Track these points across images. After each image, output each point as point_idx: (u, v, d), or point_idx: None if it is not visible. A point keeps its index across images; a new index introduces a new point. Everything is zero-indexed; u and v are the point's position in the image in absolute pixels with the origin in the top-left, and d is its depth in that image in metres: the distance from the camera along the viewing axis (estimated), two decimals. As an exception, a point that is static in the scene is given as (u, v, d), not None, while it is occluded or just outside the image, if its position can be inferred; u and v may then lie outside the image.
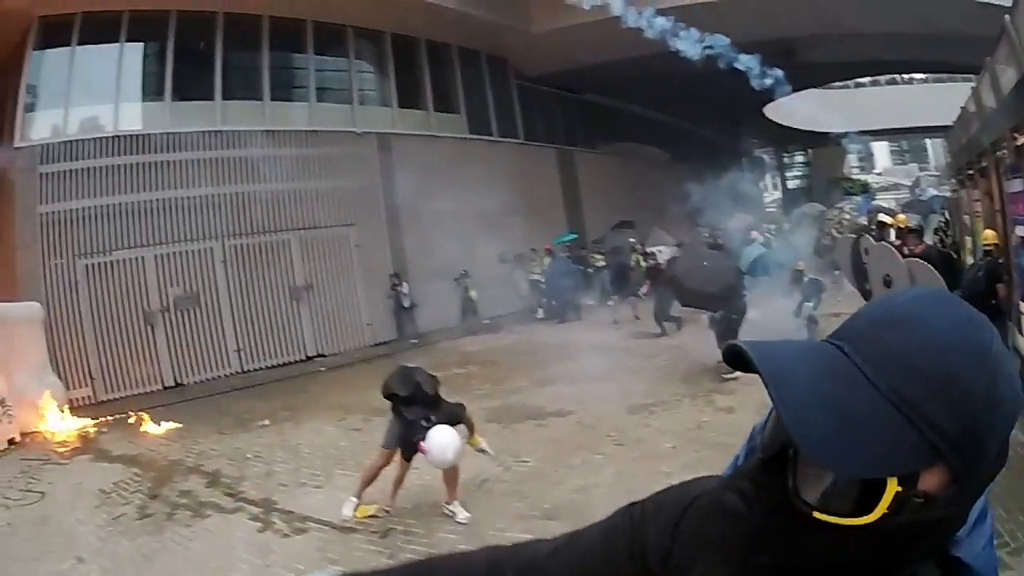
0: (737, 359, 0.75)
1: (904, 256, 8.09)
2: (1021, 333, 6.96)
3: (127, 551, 5.61)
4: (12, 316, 10.38)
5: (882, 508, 0.69)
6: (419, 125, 17.63)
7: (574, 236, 19.93)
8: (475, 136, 18.75)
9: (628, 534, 0.96)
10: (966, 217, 11.42)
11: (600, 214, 22.13)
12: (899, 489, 0.68)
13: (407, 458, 5.50)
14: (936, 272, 7.40)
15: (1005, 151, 7.19)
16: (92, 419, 10.47)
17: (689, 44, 13.57)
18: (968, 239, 11.18)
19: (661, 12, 14.32)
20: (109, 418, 10.48)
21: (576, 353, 11.03)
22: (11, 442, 9.26)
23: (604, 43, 16.21)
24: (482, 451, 5.92)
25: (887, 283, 7.81)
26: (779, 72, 14.36)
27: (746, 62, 14.09)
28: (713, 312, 9.71)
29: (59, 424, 10.09)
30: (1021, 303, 7.02)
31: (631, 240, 18.96)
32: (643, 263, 16.24)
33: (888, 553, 0.72)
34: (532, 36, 18.11)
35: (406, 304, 15.64)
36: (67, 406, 10.73)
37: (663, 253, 15.71)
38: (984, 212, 8.97)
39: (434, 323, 16.10)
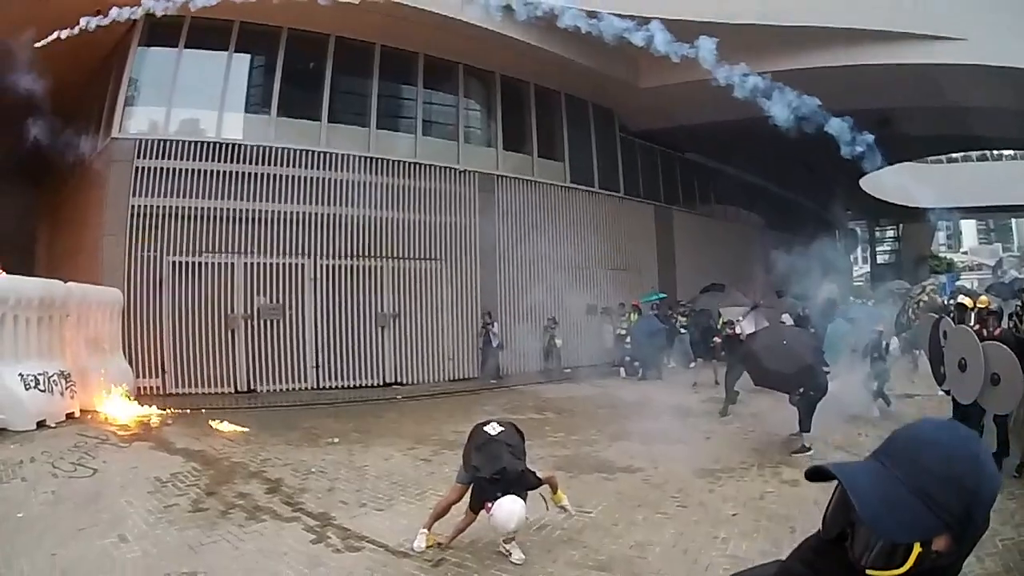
0: (816, 474, 1.16)
1: (982, 339, 7.75)
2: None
3: (174, 540, 5.48)
4: (90, 298, 10.55)
5: (911, 562, 1.07)
6: (522, 169, 17.55)
7: (662, 296, 19.34)
8: (576, 185, 18.55)
9: None
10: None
11: (692, 274, 21.51)
12: (921, 549, 1.07)
13: (474, 509, 5.37)
14: (1013, 355, 7.18)
15: None
16: (158, 409, 10.44)
17: (781, 106, 13.08)
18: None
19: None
20: (175, 411, 10.50)
21: (652, 412, 10.80)
22: (70, 416, 9.24)
23: (708, 103, 15.80)
24: (563, 508, 5.86)
25: (962, 367, 7.66)
26: (870, 138, 13.74)
27: (838, 127, 13.52)
28: (788, 392, 9.42)
29: (122, 408, 10.08)
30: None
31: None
32: (727, 329, 15.62)
33: None
34: (639, 91, 17.93)
35: (494, 344, 15.42)
36: (134, 393, 10.78)
37: (740, 321, 15.08)
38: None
39: (515, 365, 15.86)
